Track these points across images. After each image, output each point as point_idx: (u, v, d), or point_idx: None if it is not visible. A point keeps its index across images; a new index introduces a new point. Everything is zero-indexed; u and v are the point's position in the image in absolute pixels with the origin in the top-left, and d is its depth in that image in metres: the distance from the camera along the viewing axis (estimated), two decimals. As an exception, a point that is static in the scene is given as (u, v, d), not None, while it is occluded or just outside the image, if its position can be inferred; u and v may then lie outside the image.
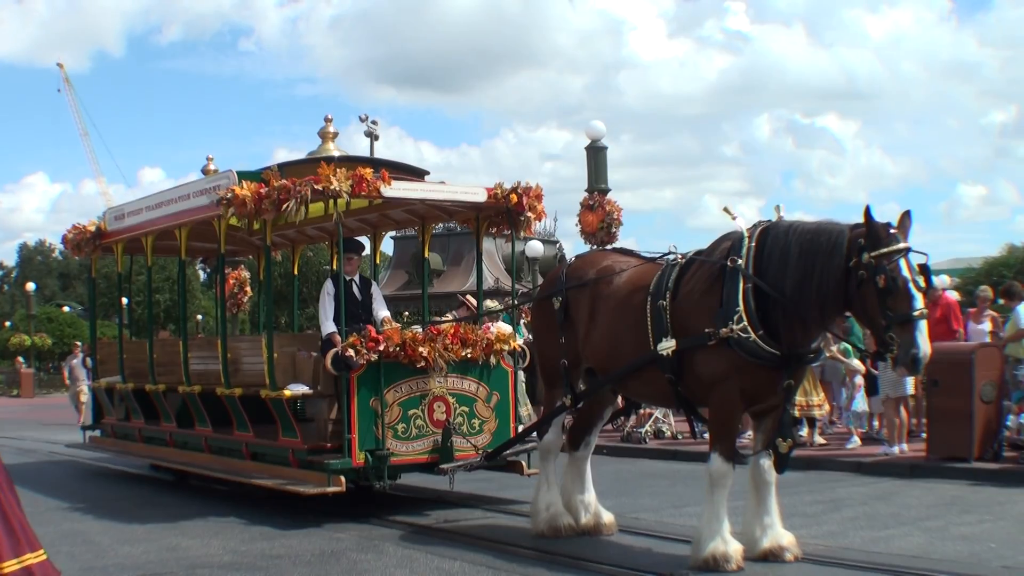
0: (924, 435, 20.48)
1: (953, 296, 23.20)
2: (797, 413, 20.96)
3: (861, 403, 21.46)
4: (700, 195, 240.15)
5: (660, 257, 13.39)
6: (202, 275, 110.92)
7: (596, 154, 31.25)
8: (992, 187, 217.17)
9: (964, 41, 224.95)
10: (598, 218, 29.81)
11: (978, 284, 25.54)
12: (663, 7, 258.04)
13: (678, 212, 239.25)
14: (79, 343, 46.22)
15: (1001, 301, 21.63)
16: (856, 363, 21.22)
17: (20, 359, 74.76)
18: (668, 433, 25.05)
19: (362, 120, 52.05)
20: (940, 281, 23.22)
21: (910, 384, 19.74)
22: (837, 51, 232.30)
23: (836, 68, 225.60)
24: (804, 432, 21.90)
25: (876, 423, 22.10)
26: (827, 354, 20.99)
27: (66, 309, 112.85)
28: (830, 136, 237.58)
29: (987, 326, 21.55)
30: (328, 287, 17.20)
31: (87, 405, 28.66)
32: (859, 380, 21.27)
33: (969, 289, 28.06)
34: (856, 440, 21.31)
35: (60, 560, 13.01)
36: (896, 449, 19.92)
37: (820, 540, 13.12)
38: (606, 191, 30.77)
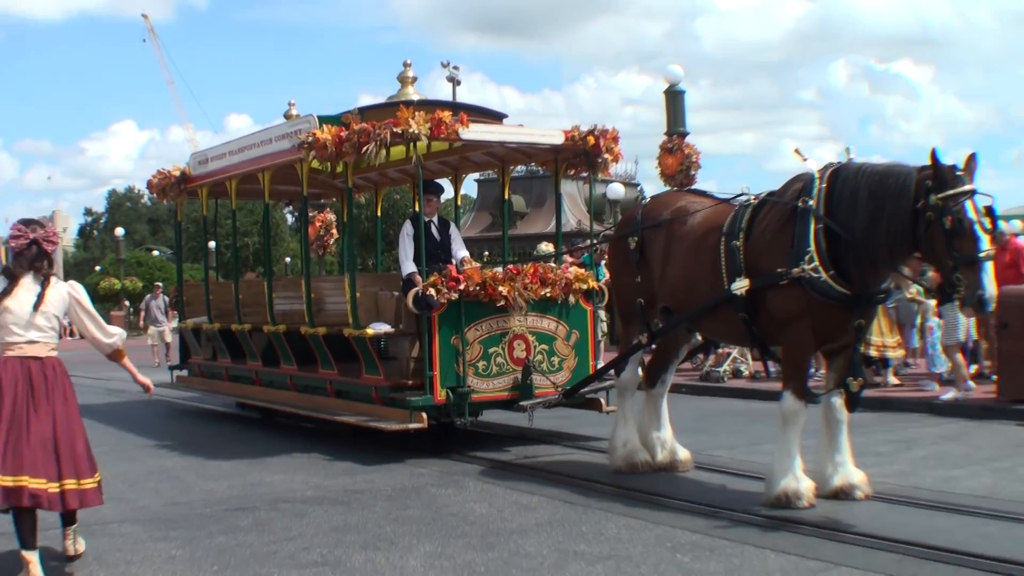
0: (994, 377, 20.43)
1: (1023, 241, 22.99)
2: (875, 353, 21.03)
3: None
4: (778, 139, 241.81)
5: (733, 198, 13.49)
6: (290, 219, 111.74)
7: (674, 98, 31.23)
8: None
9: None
10: (677, 161, 29.82)
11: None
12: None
13: (757, 156, 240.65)
14: (159, 284, 46.66)
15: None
16: (934, 304, 21.10)
17: (127, 302, 75.27)
18: (746, 372, 25.13)
19: (444, 66, 52.39)
20: (1011, 226, 23.03)
21: (962, 331, 19.68)
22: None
23: (910, 14, 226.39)
24: (881, 373, 21.99)
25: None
26: (907, 295, 20.95)
27: (155, 253, 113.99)
28: (904, 82, 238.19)
29: None
30: (407, 228, 17.37)
31: (173, 346, 29.00)
32: (934, 322, 21.13)
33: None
34: (935, 385, 21.16)
35: (145, 496, 13.43)
36: (945, 395, 19.78)
37: (891, 479, 13.10)
38: (685, 134, 30.77)
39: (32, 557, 9.67)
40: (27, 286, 10.13)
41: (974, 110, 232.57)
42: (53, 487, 9.75)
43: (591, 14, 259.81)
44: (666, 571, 9.55)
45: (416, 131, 15.97)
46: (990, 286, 10.60)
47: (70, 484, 9.88)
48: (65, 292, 10.42)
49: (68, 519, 10.46)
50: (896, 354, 22.01)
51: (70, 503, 9.93)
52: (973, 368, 22.33)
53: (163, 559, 10.55)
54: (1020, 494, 12.35)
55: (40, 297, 10.12)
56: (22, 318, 10.05)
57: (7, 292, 10.06)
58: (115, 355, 10.83)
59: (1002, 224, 21.31)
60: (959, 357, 19.93)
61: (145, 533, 11.71)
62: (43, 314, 10.13)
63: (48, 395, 10.01)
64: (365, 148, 16.16)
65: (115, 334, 10.85)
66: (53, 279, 10.40)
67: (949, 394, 19.71)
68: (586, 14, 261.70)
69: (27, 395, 9.89)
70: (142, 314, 46.53)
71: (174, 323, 35.17)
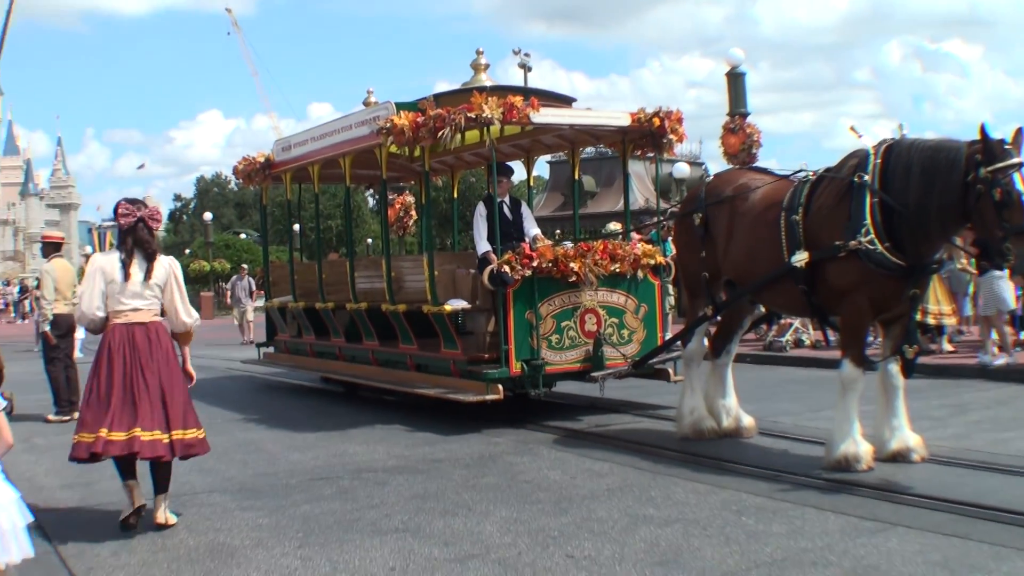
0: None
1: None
2: (932, 321, 21.00)
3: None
4: (835, 118, 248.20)
5: (792, 175, 13.58)
6: (370, 201, 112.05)
7: (735, 80, 31.10)
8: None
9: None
10: (739, 140, 29.74)
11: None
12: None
13: (815, 134, 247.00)
14: (245, 266, 47.02)
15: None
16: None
17: (223, 284, 75.82)
18: (808, 342, 25.14)
19: (515, 53, 52.38)
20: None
21: (1010, 299, 19.58)
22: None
23: None
24: (937, 341, 21.98)
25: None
26: (959, 265, 20.84)
27: (242, 236, 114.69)
28: (955, 61, 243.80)
29: None
30: (480, 209, 17.56)
31: (259, 324, 29.16)
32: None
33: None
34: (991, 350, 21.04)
35: (234, 467, 13.68)
36: (996, 361, 19.59)
37: (945, 442, 13.15)
38: (746, 115, 30.65)
39: (134, 483, 10.88)
40: (137, 261, 11.01)
41: (1021, 86, 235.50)
42: (164, 437, 10.76)
43: (655, 1, 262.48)
44: (732, 534, 9.67)
45: (489, 116, 16.07)
46: (1039, 254, 10.68)
47: (178, 434, 10.88)
48: (167, 264, 11.26)
49: (160, 487, 11.10)
50: (950, 322, 21.94)
51: (178, 451, 10.93)
52: (1024, 335, 22.44)
53: (250, 527, 10.72)
54: (1069, 456, 12.35)
55: (149, 271, 11.02)
56: (128, 290, 10.90)
57: (127, 274, 10.97)
58: (184, 335, 11.54)
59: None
60: (1006, 327, 19.84)
61: (233, 502, 11.89)
62: (148, 285, 10.97)
63: (152, 355, 10.87)
64: (441, 133, 16.29)
65: (195, 317, 11.55)
66: (158, 254, 11.25)
67: (1000, 360, 19.60)
68: (650, 1, 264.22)
69: (134, 356, 10.79)
70: (228, 294, 46.92)
71: (259, 302, 35.47)
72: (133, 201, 11.42)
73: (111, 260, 11.21)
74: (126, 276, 11.03)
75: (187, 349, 11.66)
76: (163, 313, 11.41)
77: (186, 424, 11.00)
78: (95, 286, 11.14)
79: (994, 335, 19.62)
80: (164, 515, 11.03)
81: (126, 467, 10.93)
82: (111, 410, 10.64)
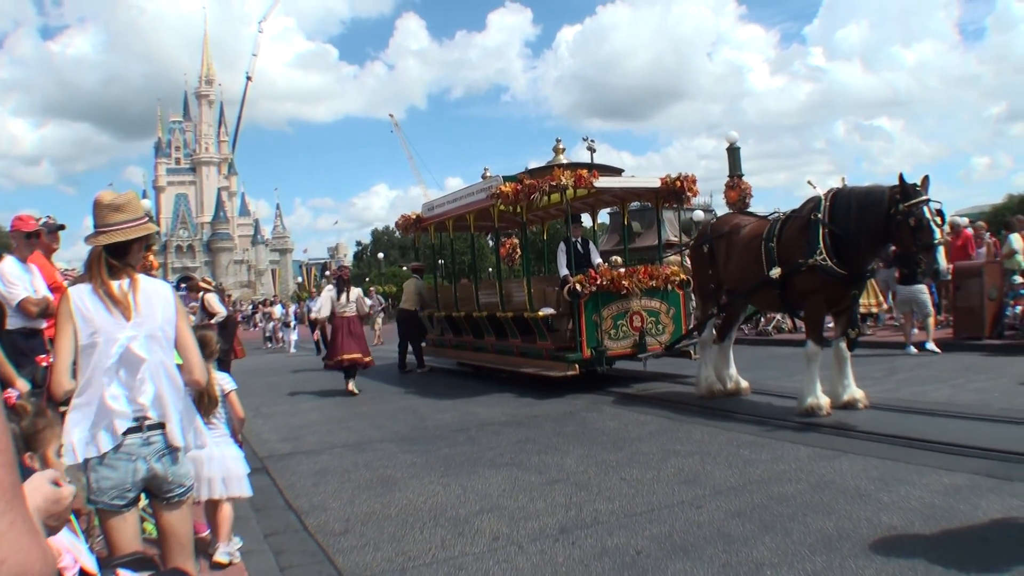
0: (951, 322, 20.17)
1: (971, 231, 22.58)
2: (874, 311, 20.90)
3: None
4: (801, 175, 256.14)
5: (769, 215, 13.55)
6: (490, 243, 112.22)
7: (733, 152, 30.85)
8: (994, 157, 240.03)
9: (969, 61, 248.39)
10: (737, 194, 29.63)
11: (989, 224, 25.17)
12: (768, 56, 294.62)
13: (788, 187, 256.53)
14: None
15: (1004, 232, 21.10)
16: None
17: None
18: (787, 329, 24.82)
19: (584, 140, 52.87)
20: (962, 221, 22.71)
21: (929, 305, 18.94)
22: (884, 75, 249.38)
23: (883, 86, 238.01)
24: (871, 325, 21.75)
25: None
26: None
27: (403, 268, 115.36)
28: (883, 131, 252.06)
29: (984, 251, 21.40)
30: (561, 246, 17.51)
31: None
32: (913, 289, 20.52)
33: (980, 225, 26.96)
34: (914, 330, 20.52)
35: (398, 424, 13.93)
36: (912, 348, 18.50)
37: (881, 394, 12.90)
38: (741, 175, 30.43)
39: (349, 380, 18.46)
40: (345, 290, 18.27)
41: (931, 147, 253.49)
42: (358, 356, 18.09)
43: (675, 101, 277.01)
44: (733, 461, 9.63)
45: (565, 183, 16.09)
46: (943, 262, 10.54)
47: (363, 357, 18.16)
48: (357, 291, 18.53)
49: (353, 377, 18.33)
50: (881, 311, 21.64)
51: (361, 365, 18.24)
52: (941, 316, 22.11)
53: (408, 464, 10.77)
54: (970, 401, 12.17)
55: (348, 295, 18.22)
56: (341, 303, 18.15)
57: (339, 295, 18.15)
58: (365, 318, 18.61)
59: (955, 219, 21.60)
60: (908, 321, 19.33)
61: (397, 448, 11.99)
62: (349, 301, 18.18)
63: (356, 328, 18.31)
64: (533, 195, 16.41)
65: (367, 310, 18.48)
66: (352, 287, 17.64)
67: (928, 344, 18.90)
68: (672, 101, 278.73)
69: (347, 329, 18.11)
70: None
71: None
72: (341, 267, 18.10)
73: (333, 291, 18.24)
74: (339, 296, 18.03)
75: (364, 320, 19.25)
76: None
77: (365, 353, 18.15)
78: (326, 303, 18.28)
79: (915, 329, 19.05)
80: (353, 388, 18.21)
81: (346, 372, 18.27)
82: (341, 347, 17.98)
